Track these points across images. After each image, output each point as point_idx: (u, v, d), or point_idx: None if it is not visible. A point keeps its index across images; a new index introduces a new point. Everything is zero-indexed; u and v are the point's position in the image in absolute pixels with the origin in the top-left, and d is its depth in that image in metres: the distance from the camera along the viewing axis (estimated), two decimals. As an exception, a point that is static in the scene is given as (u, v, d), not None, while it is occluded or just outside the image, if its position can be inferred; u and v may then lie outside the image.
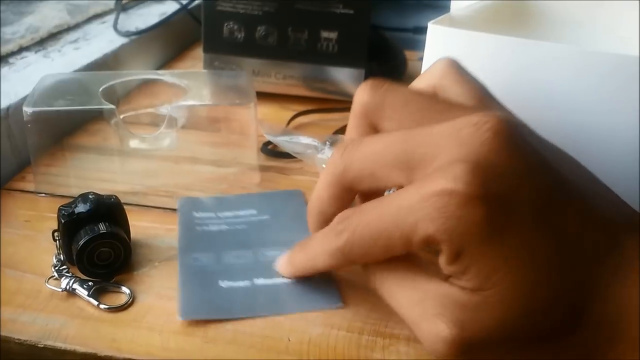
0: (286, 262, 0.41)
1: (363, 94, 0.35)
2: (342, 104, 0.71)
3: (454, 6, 0.56)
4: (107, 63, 0.70)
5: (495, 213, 0.27)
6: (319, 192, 0.37)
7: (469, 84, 0.37)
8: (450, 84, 0.36)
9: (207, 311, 0.39)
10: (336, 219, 0.33)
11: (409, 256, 0.33)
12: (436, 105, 0.34)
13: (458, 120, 0.30)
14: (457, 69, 0.38)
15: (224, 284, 0.42)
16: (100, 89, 0.52)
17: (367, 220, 0.31)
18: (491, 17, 0.55)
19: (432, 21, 0.49)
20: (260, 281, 0.42)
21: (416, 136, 0.31)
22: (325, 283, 0.43)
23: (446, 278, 0.30)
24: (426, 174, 0.30)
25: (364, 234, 0.31)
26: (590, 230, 0.29)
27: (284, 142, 0.55)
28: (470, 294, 0.29)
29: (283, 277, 0.42)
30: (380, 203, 0.31)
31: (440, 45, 0.49)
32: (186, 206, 0.50)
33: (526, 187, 0.28)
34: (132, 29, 0.78)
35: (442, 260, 0.29)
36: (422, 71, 0.51)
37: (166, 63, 0.84)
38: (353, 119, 0.36)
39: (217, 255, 0.45)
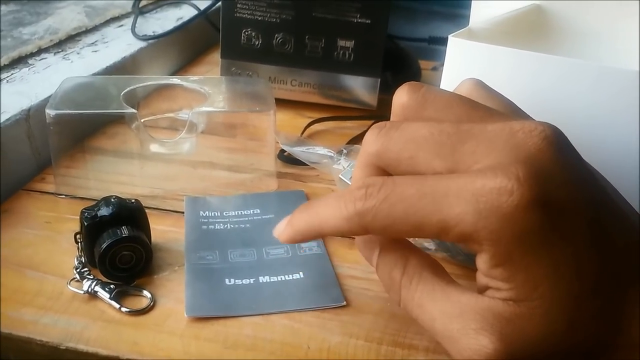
0: (285, 224, 0.36)
1: (402, 95, 0.34)
2: (357, 112, 0.72)
3: (473, 18, 0.56)
4: (125, 66, 0.71)
5: (551, 221, 0.27)
6: (354, 174, 0.35)
7: (499, 100, 0.37)
8: (480, 100, 0.35)
9: (212, 308, 0.40)
10: (359, 182, 0.31)
11: (437, 267, 0.33)
12: (477, 110, 0.33)
13: (513, 123, 0.29)
14: (484, 88, 0.38)
15: (229, 281, 0.43)
16: (122, 93, 0.52)
17: (403, 193, 0.29)
18: (511, 30, 0.56)
19: (452, 34, 0.49)
20: (264, 279, 0.43)
21: (469, 130, 0.29)
22: (329, 281, 0.44)
23: (483, 290, 0.30)
24: (479, 169, 0.28)
25: (397, 206, 0.29)
26: (633, 248, 0.29)
27: (300, 152, 0.56)
28: (514, 305, 0.28)
29: (281, 242, 0.38)
30: (422, 180, 0.29)
31: (460, 57, 0.49)
32: (192, 205, 0.51)
33: (580, 198, 0.28)
34: (150, 32, 0.79)
35: (485, 263, 0.28)
36: (440, 83, 0.51)
37: (182, 67, 0.84)
38: (393, 119, 0.35)
39: (222, 254, 0.46)
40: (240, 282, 0.43)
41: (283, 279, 0.44)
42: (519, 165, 0.27)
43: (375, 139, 0.32)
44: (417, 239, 0.47)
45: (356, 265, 0.46)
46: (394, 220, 0.29)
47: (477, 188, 0.27)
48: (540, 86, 0.46)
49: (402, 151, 0.31)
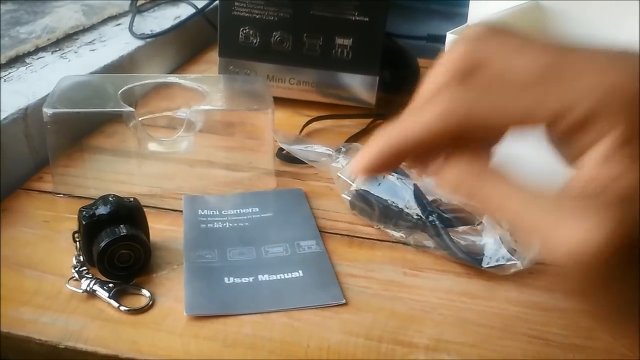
0: (363, 151, 0.29)
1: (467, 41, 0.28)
2: (355, 110, 0.72)
3: (471, 16, 0.56)
4: (122, 65, 0.70)
5: None
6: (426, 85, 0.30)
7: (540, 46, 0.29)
8: (510, 55, 0.28)
9: (211, 307, 0.40)
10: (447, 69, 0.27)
11: None
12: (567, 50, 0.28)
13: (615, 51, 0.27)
14: (507, 38, 0.29)
15: (228, 280, 0.43)
16: (120, 92, 0.52)
17: (511, 77, 0.26)
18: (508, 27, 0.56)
19: (450, 31, 0.49)
20: (264, 277, 0.43)
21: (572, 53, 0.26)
22: (328, 280, 0.44)
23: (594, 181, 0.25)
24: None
25: (502, 91, 0.26)
26: None
27: (298, 150, 0.56)
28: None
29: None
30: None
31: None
32: (191, 204, 0.51)
33: None
34: (147, 31, 0.79)
35: (608, 144, 0.24)
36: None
37: (180, 66, 0.84)
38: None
39: (221, 252, 0.46)
40: (240, 281, 0.43)
41: (282, 277, 0.43)
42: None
43: (473, 40, 0.28)
44: (413, 236, 0.47)
45: (355, 264, 0.46)
46: (498, 108, 0.26)
47: (598, 69, 0.25)
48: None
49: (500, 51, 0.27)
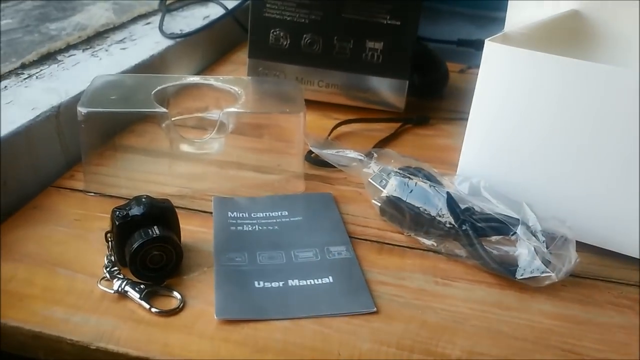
0: None
1: None
2: (384, 114, 0.71)
3: (509, 22, 0.56)
4: (153, 64, 0.71)
5: None
6: None
7: None
8: None
9: (242, 311, 0.40)
10: None
11: None
12: None
13: None
14: None
15: (259, 284, 0.43)
16: (153, 92, 0.52)
17: None
18: (547, 35, 0.55)
19: (489, 38, 0.49)
20: (294, 282, 0.43)
21: None
22: (358, 287, 0.43)
23: None
24: None
25: None
26: None
27: (329, 154, 0.55)
28: None
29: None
30: None
31: (496, 61, 0.48)
32: (221, 206, 0.51)
33: None
34: (177, 30, 0.79)
35: None
36: (475, 89, 0.51)
37: (208, 67, 0.84)
38: None
39: (251, 256, 0.45)
40: (270, 285, 0.43)
41: (312, 283, 0.43)
42: None
43: None
44: (445, 245, 0.47)
45: (386, 271, 0.45)
46: None
47: None
48: (580, 94, 0.45)
49: None
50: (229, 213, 0.50)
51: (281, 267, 0.45)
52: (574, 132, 0.46)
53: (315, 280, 0.43)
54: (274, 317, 0.40)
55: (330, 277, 0.44)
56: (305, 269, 0.45)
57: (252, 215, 0.50)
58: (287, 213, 0.51)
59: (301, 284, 0.43)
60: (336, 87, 0.72)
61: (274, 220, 0.50)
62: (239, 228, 0.49)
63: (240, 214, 0.50)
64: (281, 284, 0.43)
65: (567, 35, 0.56)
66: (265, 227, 0.49)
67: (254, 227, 0.49)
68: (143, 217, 0.42)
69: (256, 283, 0.43)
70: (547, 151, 0.48)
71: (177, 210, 0.45)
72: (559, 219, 0.44)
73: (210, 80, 0.58)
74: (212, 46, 0.86)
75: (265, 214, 0.51)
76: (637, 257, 0.47)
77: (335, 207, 0.52)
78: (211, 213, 0.50)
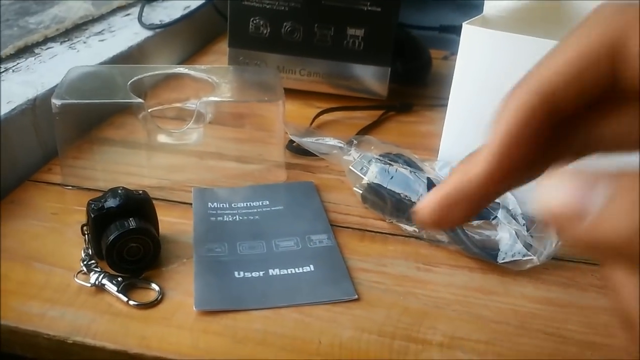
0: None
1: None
2: (367, 102, 0.71)
3: (487, 6, 0.55)
4: (132, 55, 0.70)
5: None
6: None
7: None
8: None
9: (221, 302, 0.40)
10: None
11: None
12: None
13: None
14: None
15: (239, 274, 0.42)
16: (129, 83, 0.52)
17: None
18: (525, 17, 0.55)
19: (466, 21, 0.48)
20: (274, 272, 0.43)
21: None
22: (339, 275, 0.43)
23: None
24: None
25: None
26: None
27: (309, 142, 0.55)
28: None
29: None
30: None
31: (475, 45, 0.48)
32: (200, 197, 0.50)
33: None
34: (157, 21, 0.78)
35: None
36: (454, 73, 0.50)
37: (189, 57, 0.83)
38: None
39: (231, 246, 0.45)
40: (250, 275, 0.42)
41: (293, 271, 0.43)
42: None
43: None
44: (423, 229, 0.46)
45: (367, 258, 0.45)
46: None
47: None
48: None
49: None
50: (209, 204, 0.50)
51: (262, 256, 0.44)
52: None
53: (296, 269, 0.43)
54: (253, 307, 0.39)
55: (312, 266, 0.43)
56: (286, 258, 0.44)
57: (233, 205, 0.50)
58: (268, 202, 0.50)
59: (282, 273, 0.43)
60: (318, 76, 0.71)
61: (255, 210, 0.49)
62: (219, 219, 0.48)
63: (221, 205, 0.50)
64: (261, 273, 0.42)
65: (546, 17, 0.56)
66: (245, 217, 0.49)
67: (235, 218, 0.48)
68: (119, 209, 0.41)
69: (236, 273, 0.42)
70: None
71: (156, 201, 0.44)
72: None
73: (188, 69, 0.57)
74: (193, 36, 0.85)
75: (246, 204, 0.50)
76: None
77: (317, 195, 0.52)
78: (191, 204, 0.50)
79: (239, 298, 0.40)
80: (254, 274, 0.42)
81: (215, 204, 0.50)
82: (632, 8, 0.19)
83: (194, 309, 0.39)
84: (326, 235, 0.47)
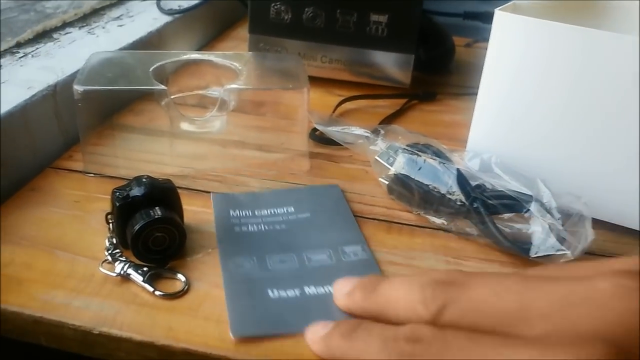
0: (321, 341, 0.34)
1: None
2: (389, 90, 0.70)
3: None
4: (151, 41, 0.69)
5: None
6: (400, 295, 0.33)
7: None
8: None
9: (259, 327, 0.36)
10: (407, 329, 0.30)
11: None
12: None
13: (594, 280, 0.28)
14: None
15: (273, 293, 0.39)
16: (151, 69, 0.51)
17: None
18: (555, 4, 0.53)
19: (498, 8, 0.47)
20: (310, 290, 0.39)
21: (538, 288, 0.29)
22: None
23: None
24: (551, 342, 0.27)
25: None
26: None
27: (334, 132, 0.54)
28: None
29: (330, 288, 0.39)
30: (482, 348, 0.28)
31: (507, 32, 0.47)
32: (221, 203, 0.47)
33: None
34: (175, 6, 0.77)
35: None
36: (485, 62, 0.49)
37: (208, 43, 0.82)
38: None
39: (260, 260, 0.42)
40: (285, 294, 0.39)
41: (331, 290, 0.39)
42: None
43: (433, 298, 0.31)
44: (455, 223, 0.45)
45: (395, 251, 0.44)
46: None
47: None
48: (596, 65, 0.44)
49: (463, 318, 0.30)
50: (231, 211, 0.47)
51: (295, 272, 0.41)
52: (590, 106, 0.45)
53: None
54: (293, 331, 0.36)
55: None
56: (321, 273, 0.41)
57: (256, 213, 0.47)
58: (293, 210, 0.48)
59: (319, 292, 0.39)
60: (340, 63, 0.70)
61: (281, 219, 0.47)
62: (244, 229, 0.45)
63: (243, 212, 0.47)
64: (297, 292, 0.39)
65: (577, 5, 0.54)
66: (272, 227, 0.46)
67: (260, 227, 0.45)
68: (144, 198, 0.40)
69: (270, 292, 0.39)
70: (561, 125, 0.46)
71: (179, 190, 0.43)
72: (575, 195, 0.43)
73: (210, 56, 0.56)
74: (212, 22, 0.84)
75: (270, 211, 0.47)
76: (653, 233, 0.46)
77: (344, 200, 0.49)
78: (214, 193, 0.49)
79: (277, 322, 0.37)
80: (289, 293, 0.39)
81: (237, 211, 0.47)
82: None
83: (231, 336, 0.36)
84: (360, 247, 0.44)
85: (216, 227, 0.45)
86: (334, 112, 0.64)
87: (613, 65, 0.43)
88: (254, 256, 0.42)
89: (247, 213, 0.47)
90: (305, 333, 0.35)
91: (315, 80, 0.69)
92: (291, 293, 0.39)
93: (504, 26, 0.47)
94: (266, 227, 0.45)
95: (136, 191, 0.40)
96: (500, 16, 0.46)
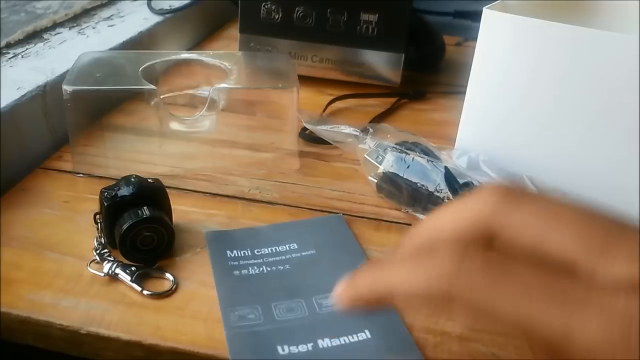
0: (346, 285, 0.27)
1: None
2: (380, 89, 0.70)
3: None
4: (141, 41, 0.69)
5: None
6: (442, 222, 0.26)
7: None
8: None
9: None
10: (456, 247, 0.23)
11: None
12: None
13: None
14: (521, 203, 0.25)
15: (283, 350, 0.35)
16: (140, 69, 0.51)
17: (519, 283, 0.22)
18: (544, 3, 0.53)
19: (486, 6, 0.47)
20: (324, 343, 0.35)
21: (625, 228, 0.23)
22: (401, 339, 0.36)
23: None
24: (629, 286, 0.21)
25: (505, 296, 0.22)
26: None
27: (324, 131, 0.54)
28: None
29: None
30: (549, 278, 0.22)
31: (496, 31, 0.47)
32: (216, 242, 0.43)
33: None
34: (166, 6, 0.77)
35: None
36: (473, 60, 0.49)
37: (199, 43, 0.82)
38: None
39: (265, 309, 0.38)
40: (297, 350, 0.35)
41: (346, 341, 0.36)
42: None
43: (496, 200, 0.24)
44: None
45: (384, 249, 0.44)
46: (496, 310, 0.22)
47: (621, 310, 0.21)
48: (584, 63, 0.44)
49: (529, 227, 0.23)
50: (228, 252, 0.42)
51: (305, 322, 0.37)
52: (578, 103, 0.45)
53: (350, 338, 0.36)
54: None
55: (367, 331, 0.36)
56: (334, 322, 0.37)
57: (256, 252, 0.43)
58: (296, 246, 0.43)
59: (334, 344, 0.35)
60: (330, 62, 0.70)
61: (283, 257, 0.42)
62: (244, 271, 0.41)
63: (242, 252, 0.42)
64: (310, 346, 0.35)
65: (567, 3, 0.55)
66: (274, 268, 0.41)
67: (262, 269, 0.41)
68: (132, 198, 0.40)
69: (280, 349, 0.35)
70: (548, 122, 0.47)
71: (168, 190, 0.43)
72: (561, 191, 0.43)
73: (200, 55, 0.56)
74: (203, 22, 0.84)
75: (271, 250, 0.43)
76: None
77: (350, 232, 0.46)
78: (204, 193, 0.49)
79: None
80: (300, 348, 0.35)
81: (235, 252, 0.42)
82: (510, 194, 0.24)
83: None
84: None
85: (213, 270, 0.41)
86: (324, 111, 0.64)
87: (602, 63, 0.43)
88: (257, 305, 0.38)
89: (246, 253, 0.43)
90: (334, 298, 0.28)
91: (306, 80, 0.70)
92: (303, 348, 0.35)
93: (492, 25, 0.47)
94: (268, 269, 0.41)
95: (124, 191, 0.40)
96: (488, 14, 0.47)
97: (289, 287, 0.39)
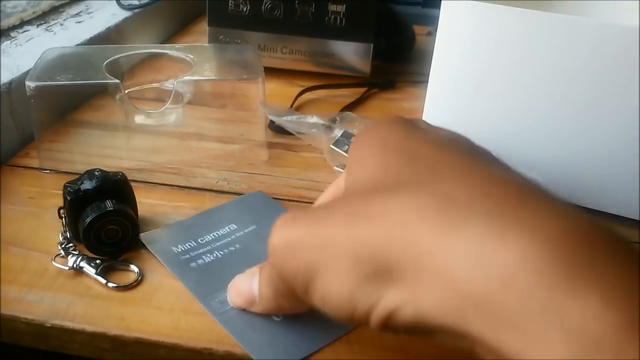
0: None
1: None
2: (350, 79, 0.70)
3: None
4: (110, 37, 0.69)
5: None
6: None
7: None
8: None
9: (284, 352, 0.35)
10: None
11: None
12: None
13: None
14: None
15: (277, 317, 0.37)
16: (105, 63, 0.51)
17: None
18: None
19: (446, -5, 0.47)
20: None
21: None
22: None
23: None
24: None
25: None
26: None
27: (287, 122, 0.54)
28: None
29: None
30: None
31: (456, 18, 0.47)
32: (158, 243, 0.43)
33: None
34: (136, 2, 0.77)
35: None
36: (434, 48, 0.50)
37: (170, 37, 0.82)
38: None
39: None
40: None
41: None
42: None
43: None
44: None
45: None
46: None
47: None
48: (539, 46, 0.45)
49: None
50: (174, 248, 0.42)
51: None
52: (540, 88, 0.46)
53: None
54: (315, 349, 0.35)
55: None
56: None
57: (200, 240, 0.43)
58: (235, 226, 0.44)
59: None
60: (300, 54, 0.71)
61: (229, 239, 0.43)
62: (199, 262, 0.41)
63: (186, 245, 0.43)
64: None
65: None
66: (226, 250, 0.42)
67: (215, 254, 0.42)
68: (95, 191, 0.40)
69: (275, 317, 0.37)
70: (511, 107, 0.47)
71: (136, 184, 0.44)
72: (527, 165, 0.43)
73: (165, 49, 0.56)
74: (173, 17, 0.84)
75: (214, 235, 0.44)
76: (599, 210, 0.47)
77: (276, 202, 0.48)
78: (171, 185, 0.49)
79: (295, 345, 0.35)
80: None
81: (180, 246, 0.42)
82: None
83: None
84: None
85: (170, 269, 0.41)
86: (294, 102, 0.65)
87: (562, 47, 0.44)
88: None
89: (192, 244, 0.43)
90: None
91: (276, 72, 0.70)
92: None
93: (452, 12, 0.47)
94: (221, 252, 0.42)
95: (87, 185, 0.41)
96: (447, 4, 0.47)
97: (251, 263, 0.38)
